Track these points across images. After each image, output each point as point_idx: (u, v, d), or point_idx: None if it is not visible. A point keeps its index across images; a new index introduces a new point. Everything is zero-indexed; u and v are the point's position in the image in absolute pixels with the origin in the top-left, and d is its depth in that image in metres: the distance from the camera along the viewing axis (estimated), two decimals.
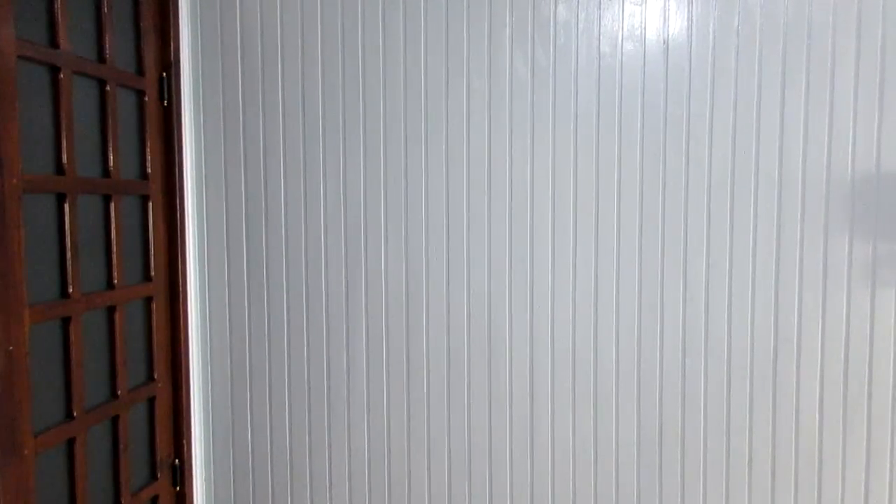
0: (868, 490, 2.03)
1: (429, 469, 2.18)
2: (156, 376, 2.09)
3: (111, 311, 1.89)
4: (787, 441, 2.04)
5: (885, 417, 2.01)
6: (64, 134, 1.69)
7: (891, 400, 2.00)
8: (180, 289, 2.15)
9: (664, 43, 2.01)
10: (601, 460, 2.09)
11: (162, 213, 2.10)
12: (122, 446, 1.92)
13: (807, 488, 2.05)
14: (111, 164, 1.88)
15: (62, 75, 1.67)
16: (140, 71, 2.02)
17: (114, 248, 1.89)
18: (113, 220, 1.88)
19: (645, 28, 2.01)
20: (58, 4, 1.66)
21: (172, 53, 2.08)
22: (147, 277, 2.06)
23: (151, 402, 2.09)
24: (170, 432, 2.16)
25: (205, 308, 2.23)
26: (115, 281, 1.89)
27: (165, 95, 2.09)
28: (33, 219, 1.59)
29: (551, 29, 2.03)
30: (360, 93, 2.10)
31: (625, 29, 2.02)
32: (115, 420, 1.90)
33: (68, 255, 1.70)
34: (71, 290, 1.71)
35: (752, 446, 2.05)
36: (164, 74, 2.08)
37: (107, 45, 1.85)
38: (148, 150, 2.04)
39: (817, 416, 2.03)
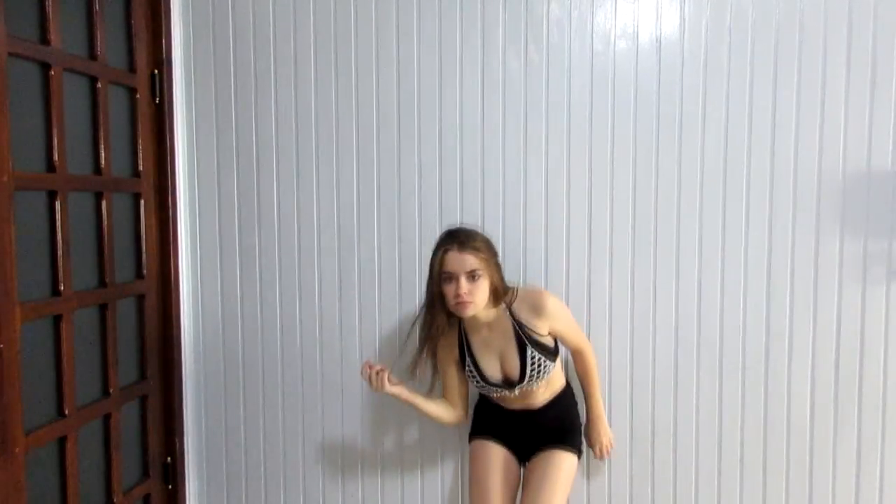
0: (859, 486, 2.04)
1: (421, 465, 2.18)
2: (148, 374, 2.09)
3: (103, 308, 1.88)
4: (778, 437, 2.05)
5: (876, 414, 2.02)
6: (55, 131, 1.68)
7: (881, 396, 2.01)
8: (172, 286, 2.14)
9: (657, 41, 2.01)
10: (594, 457, 2.10)
11: (154, 210, 2.10)
12: (113, 444, 1.92)
13: (798, 484, 2.06)
14: (102, 161, 1.87)
15: (53, 72, 1.67)
16: (132, 68, 2.01)
17: (105, 246, 1.88)
18: (104, 217, 1.88)
19: (638, 26, 2.01)
20: (49, 1, 1.65)
21: (164, 51, 2.07)
22: (139, 275, 2.05)
23: (143, 400, 2.08)
24: (162, 430, 2.16)
25: (197, 306, 2.23)
26: (107, 279, 1.89)
27: (157, 93, 2.08)
28: (24, 216, 1.59)
29: (544, 27, 2.03)
30: (353, 88, 2.10)
31: (617, 27, 2.02)
32: (106, 418, 1.90)
33: (60, 252, 1.69)
34: (62, 288, 1.70)
35: (744, 442, 2.06)
36: (156, 72, 2.07)
37: (98, 42, 1.85)
38: (139, 147, 2.04)
39: (808, 412, 2.04)
